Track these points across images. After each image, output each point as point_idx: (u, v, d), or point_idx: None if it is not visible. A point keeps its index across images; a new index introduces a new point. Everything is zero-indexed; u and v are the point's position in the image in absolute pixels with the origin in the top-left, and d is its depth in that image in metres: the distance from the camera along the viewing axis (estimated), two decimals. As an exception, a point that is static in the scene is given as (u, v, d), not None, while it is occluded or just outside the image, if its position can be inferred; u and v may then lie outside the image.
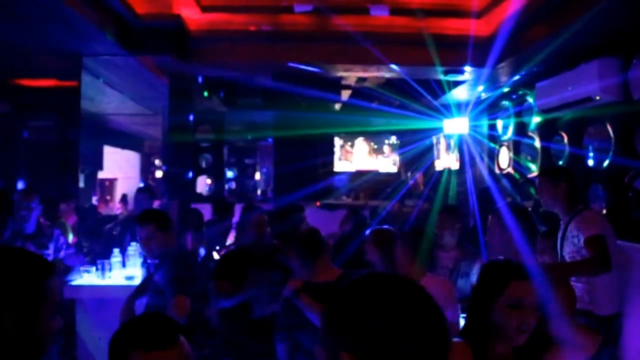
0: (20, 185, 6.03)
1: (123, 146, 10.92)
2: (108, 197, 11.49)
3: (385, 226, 3.29)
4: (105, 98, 6.27)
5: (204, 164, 8.45)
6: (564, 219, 2.96)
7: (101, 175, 10.15)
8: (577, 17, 3.51)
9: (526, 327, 1.51)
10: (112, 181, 11.97)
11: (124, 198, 10.55)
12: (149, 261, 4.07)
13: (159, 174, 13.02)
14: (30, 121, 6.08)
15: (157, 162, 12.92)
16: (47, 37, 3.87)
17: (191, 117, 5.23)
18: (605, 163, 4.17)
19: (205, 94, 6.27)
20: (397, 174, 8.65)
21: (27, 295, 1.10)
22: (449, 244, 3.66)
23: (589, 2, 3.32)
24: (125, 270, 4.05)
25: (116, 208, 10.26)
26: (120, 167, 11.25)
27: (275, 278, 3.06)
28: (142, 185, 12.21)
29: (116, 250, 4.11)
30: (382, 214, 5.43)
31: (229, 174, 11.44)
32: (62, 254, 3.69)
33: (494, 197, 5.17)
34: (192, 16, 4.46)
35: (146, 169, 12.82)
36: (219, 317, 3.21)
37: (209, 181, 9.02)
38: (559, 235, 2.97)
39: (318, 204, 7.84)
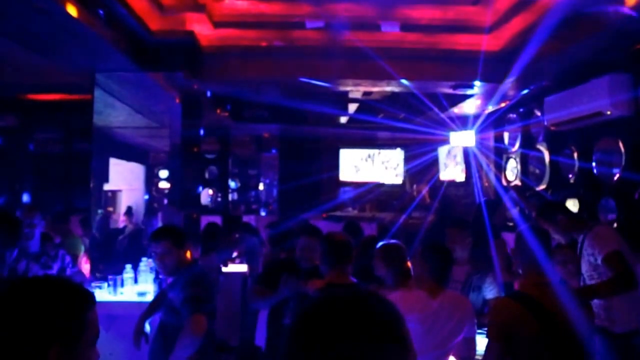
0: (25, 198, 6.03)
1: (128, 158, 10.94)
2: (110, 209, 11.46)
3: (393, 241, 3.29)
4: (113, 112, 6.30)
5: (207, 175, 8.49)
6: (579, 238, 2.98)
7: (106, 187, 10.15)
8: (587, 34, 3.56)
9: None
10: (114, 192, 11.95)
11: (129, 210, 10.54)
12: (161, 277, 4.06)
13: (162, 185, 13.02)
14: (38, 134, 6.10)
15: (160, 173, 12.92)
16: (62, 54, 3.90)
17: (202, 132, 5.25)
18: (616, 177, 4.18)
19: (214, 107, 6.31)
20: (403, 186, 8.65)
21: (69, 327, 1.10)
22: (461, 258, 3.65)
23: (599, 20, 3.37)
24: (137, 287, 4.03)
25: (121, 220, 10.22)
26: (124, 179, 11.24)
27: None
28: (147, 197, 12.24)
29: (128, 266, 4.10)
30: (392, 230, 5.41)
31: (231, 184, 11.46)
32: (67, 272, 3.65)
33: (502, 210, 5.17)
34: (204, 32, 4.50)
35: (150, 181, 12.82)
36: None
37: (210, 192, 9.04)
38: (578, 253, 2.97)
39: (324, 216, 7.84)
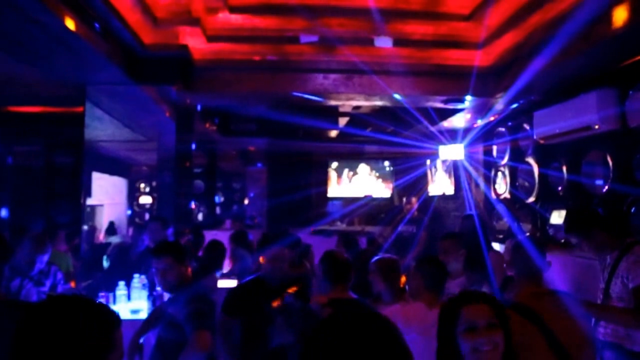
0: (3, 213, 5.83)
1: (111, 172, 10.73)
2: (90, 224, 11.16)
3: (388, 255, 3.30)
4: (101, 125, 6.18)
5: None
6: (611, 255, 2.77)
7: (88, 201, 9.89)
8: (576, 50, 3.67)
9: (480, 346, 1.60)
10: (93, 207, 11.66)
11: (110, 226, 10.29)
12: (155, 293, 3.96)
13: (143, 199, 12.78)
14: (21, 147, 5.93)
15: (143, 187, 12.69)
16: (54, 66, 3.83)
17: (193, 146, 5.21)
18: (604, 189, 4.29)
19: (203, 121, 6.26)
20: (391, 200, 8.70)
21: (98, 347, 1.12)
22: (455, 270, 3.68)
23: (589, 37, 3.48)
24: (130, 304, 3.92)
25: (102, 236, 9.98)
26: (107, 193, 11.00)
27: (293, 306, 3.03)
28: (129, 211, 11.99)
29: (121, 283, 3.99)
30: (385, 245, 5.42)
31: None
32: (59, 288, 3.59)
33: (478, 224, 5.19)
34: (198, 46, 4.48)
35: (132, 195, 12.58)
36: (235, 348, 3.14)
37: (192, 206, 8.90)
38: (607, 270, 2.79)
39: (313, 230, 7.79)
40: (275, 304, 2.89)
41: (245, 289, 3.28)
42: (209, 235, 5.20)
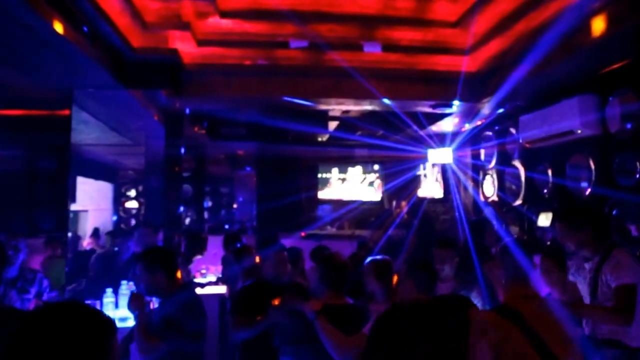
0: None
1: (96, 177, 10.57)
2: (73, 230, 10.95)
3: (380, 256, 3.33)
4: (86, 129, 6.10)
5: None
6: (593, 259, 2.85)
7: (73, 207, 9.73)
8: (559, 58, 3.76)
9: None
10: (76, 213, 11.47)
11: (95, 232, 10.13)
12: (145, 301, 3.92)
13: (129, 204, 12.61)
14: (3, 152, 5.81)
15: (129, 192, 12.52)
16: (41, 70, 3.78)
17: (182, 150, 5.17)
18: (587, 192, 4.39)
19: (191, 125, 6.23)
20: (381, 203, 8.73)
21: (94, 353, 1.12)
22: (447, 275, 3.72)
23: (569, 45, 3.57)
24: (118, 311, 3.87)
25: (86, 243, 9.80)
26: (91, 199, 10.82)
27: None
28: (115, 217, 11.81)
29: (109, 290, 3.94)
30: (375, 249, 5.44)
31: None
32: (44, 296, 3.53)
33: (490, 230, 5.26)
34: (187, 50, 4.46)
35: (118, 200, 12.39)
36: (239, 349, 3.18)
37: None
38: (590, 275, 2.87)
39: (303, 234, 7.79)
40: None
41: (253, 291, 3.35)
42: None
